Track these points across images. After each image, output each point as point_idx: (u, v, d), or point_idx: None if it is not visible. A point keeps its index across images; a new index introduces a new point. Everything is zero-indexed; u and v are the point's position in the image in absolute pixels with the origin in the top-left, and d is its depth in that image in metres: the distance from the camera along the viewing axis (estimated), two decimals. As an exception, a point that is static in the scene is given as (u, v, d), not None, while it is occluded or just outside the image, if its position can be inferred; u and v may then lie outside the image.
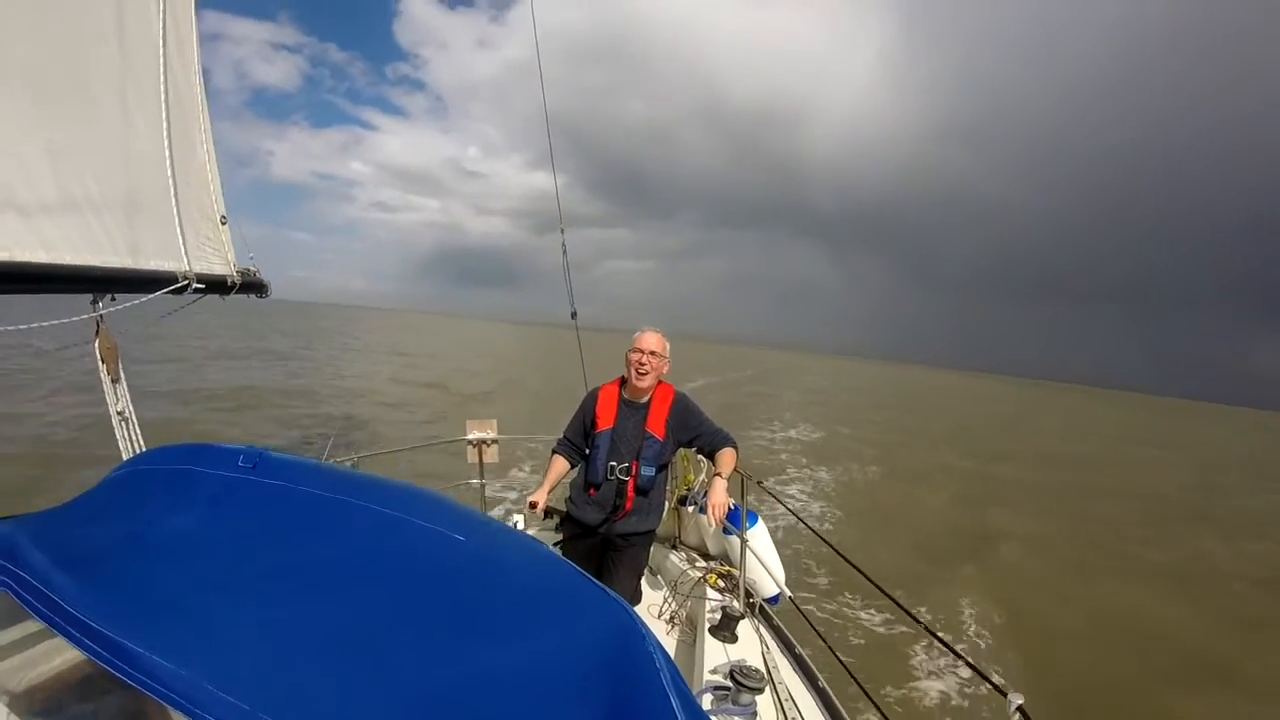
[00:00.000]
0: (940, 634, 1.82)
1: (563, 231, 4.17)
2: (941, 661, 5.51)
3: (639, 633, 1.03)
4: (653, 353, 2.77)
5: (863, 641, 5.97)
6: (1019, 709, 1.35)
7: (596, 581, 1.19)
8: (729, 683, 2.04)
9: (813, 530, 2.61)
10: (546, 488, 2.88)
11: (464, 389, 23.13)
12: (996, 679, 1.58)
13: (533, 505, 2.87)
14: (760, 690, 1.99)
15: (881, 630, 6.22)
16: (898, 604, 2.02)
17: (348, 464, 3.16)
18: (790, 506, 2.91)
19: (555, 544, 3.06)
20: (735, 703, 1.99)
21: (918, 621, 1.89)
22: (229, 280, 2.90)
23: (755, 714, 1.99)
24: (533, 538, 1.41)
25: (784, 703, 2.17)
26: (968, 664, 1.63)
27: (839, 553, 2.37)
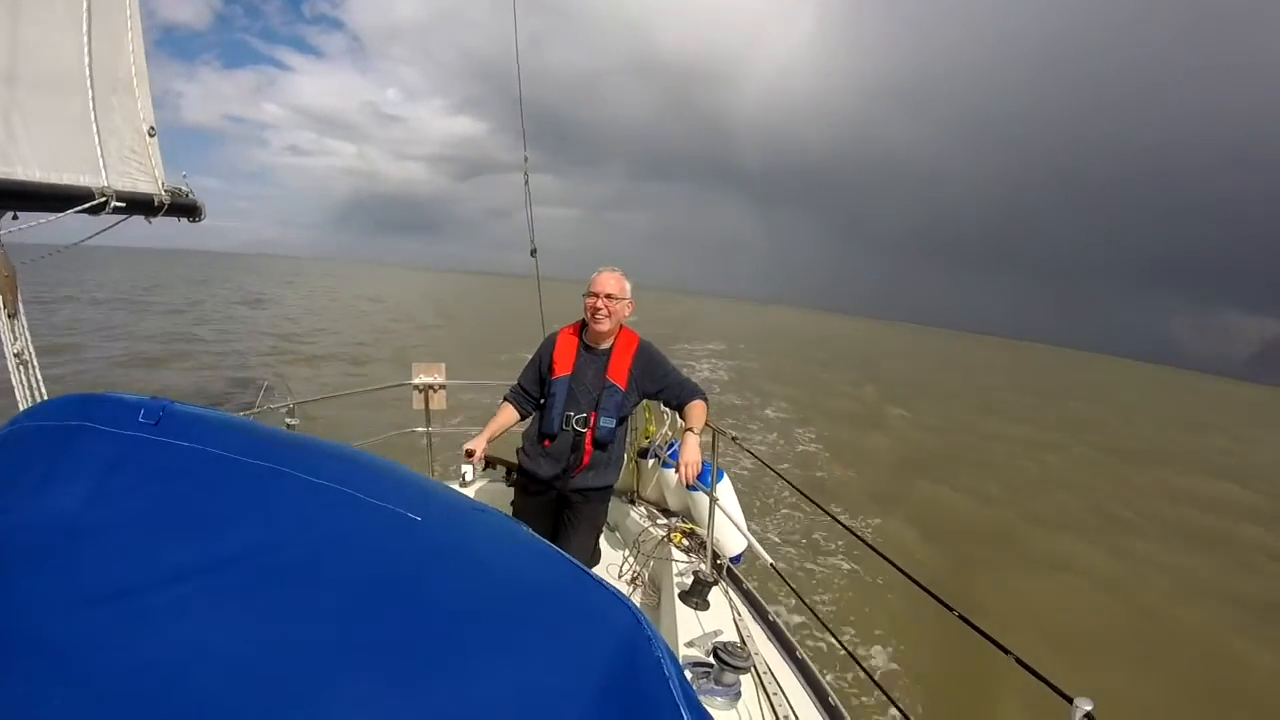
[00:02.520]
0: (954, 607, 1.62)
1: (526, 159, 4.00)
2: (926, 612, 5.17)
3: (645, 635, 0.85)
4: (609, 295, 2.56)
5: (836, 596, 5.88)
6: (1087, 715, 1.12)
7: (591, 573, 0.99)
8: (710, 660, 1.91)
9: (792, 485, 2.47)
10: (486, 436, 2.66)
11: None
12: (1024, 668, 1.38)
13: (469, 454, 2.63)
14: (745, 670, 1.87)
15: (857, 579, 6.22)
16: (897, 566, 1.85)
17: (283, 411, 2.88)
18: (763, 459, 2.78)
19: (509, 501, 2.87)
20: (719, 682, 1.87)
21: (929, 591, 1.68)
22: (156, 200, 2.61)
23: (739, 695, 1.87)
24: (509, 517, 1.19)
25: (763, 676, 2.05)
26: (1021, 663, 1.37)
27: (823, 508, 2.23)
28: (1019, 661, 1.35)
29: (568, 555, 1.05)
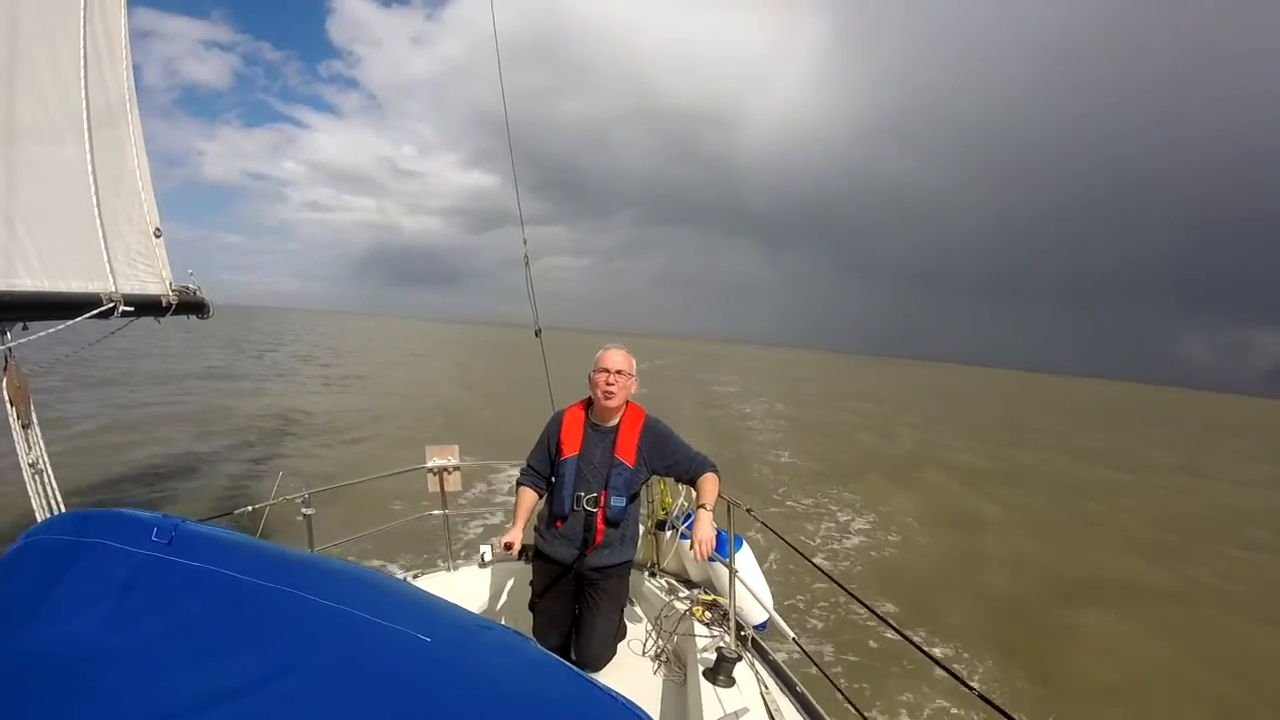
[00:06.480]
0: (956, 669, 1.65)
1: (525, 242, 3.99)
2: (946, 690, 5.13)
3: None
4: (619, 372, 2.58)
5: (863, 673, 5.64)
6: None
7: (598, 683, 1.00)
8: None
9: (811, 563, 2.47)
10: (519, 526, 2.66)
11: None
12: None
13: (508, 547, 2.63)
14: None
15: (880, 659, 5.89)
16: (912, 641, 1.88)
17: (299, 500, 2.87)
18: (785, 536, 2.76)
19: (528, 580, 2.86)
20: None
21: (939, 663, 1.74)
22: (164, 300, 2.61)
23: None
24: (516, 632, 1.20)
25: None
26: (1001, 712, 1.46)
27: (843, 586, 2.23)
28: None
29: (575, 668, 1.08)
